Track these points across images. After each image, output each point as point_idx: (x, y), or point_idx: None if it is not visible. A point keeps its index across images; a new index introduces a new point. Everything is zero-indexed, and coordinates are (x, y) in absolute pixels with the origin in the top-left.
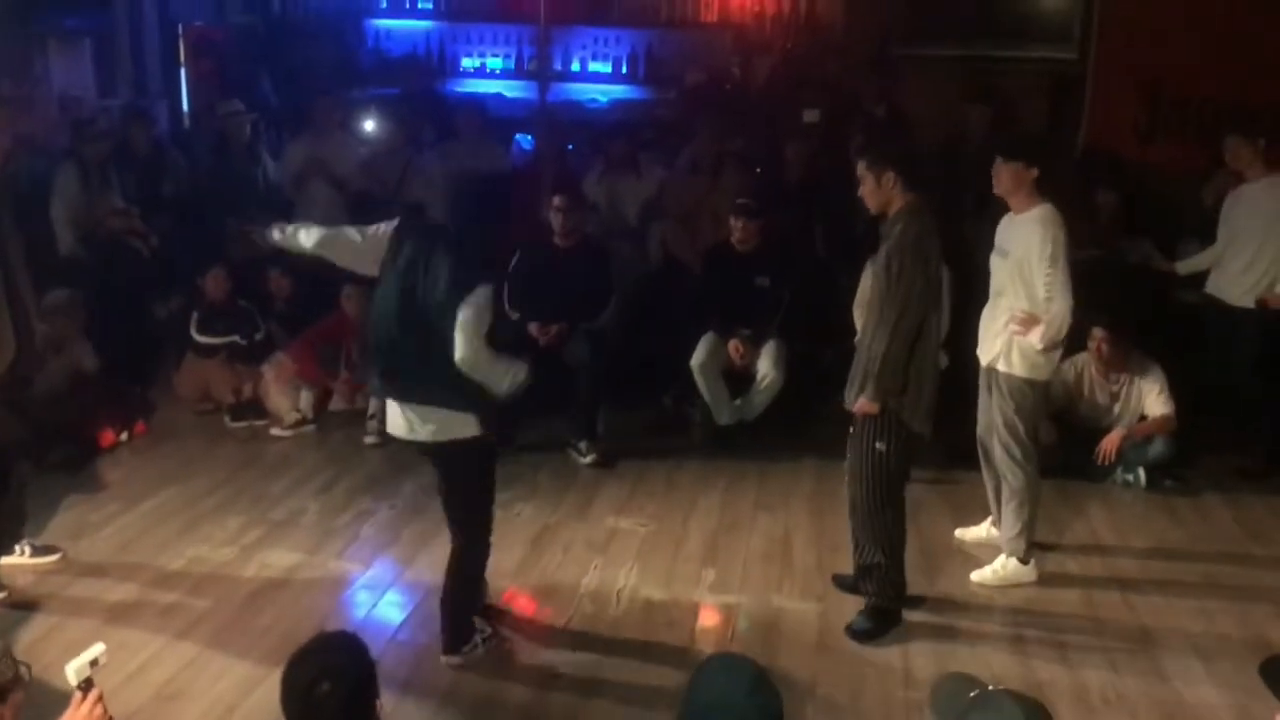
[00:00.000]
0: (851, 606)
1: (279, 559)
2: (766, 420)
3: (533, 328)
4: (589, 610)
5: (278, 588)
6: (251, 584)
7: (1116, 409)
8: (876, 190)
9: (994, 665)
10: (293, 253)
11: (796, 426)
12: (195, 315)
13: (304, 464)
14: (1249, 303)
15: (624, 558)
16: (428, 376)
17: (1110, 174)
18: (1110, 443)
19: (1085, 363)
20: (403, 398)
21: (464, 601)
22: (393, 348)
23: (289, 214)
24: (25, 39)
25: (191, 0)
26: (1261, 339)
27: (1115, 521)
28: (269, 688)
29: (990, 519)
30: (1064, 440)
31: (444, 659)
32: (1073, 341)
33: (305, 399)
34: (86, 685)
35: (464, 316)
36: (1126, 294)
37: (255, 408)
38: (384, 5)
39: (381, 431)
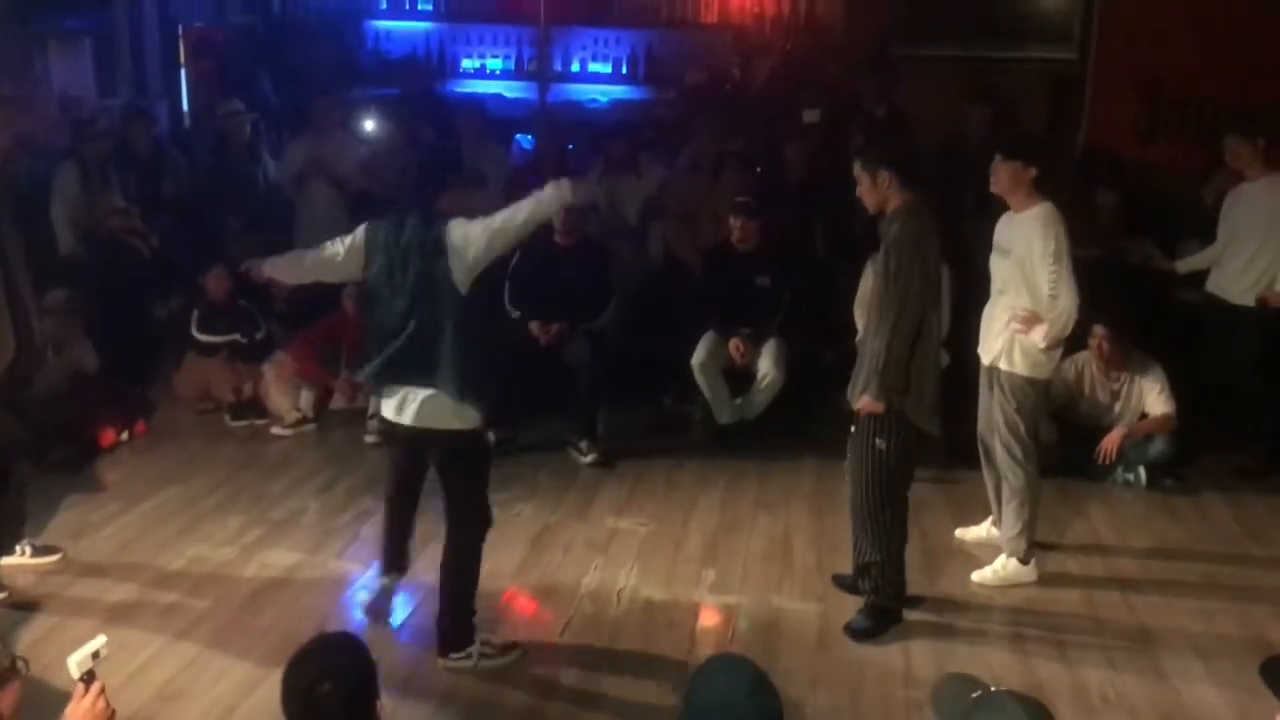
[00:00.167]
0: (852, 606)
1: (279, 559)
2: (767, 420)
3: (533, 327)
4: (589, 610)
5: (278, 588)
6: (252, 584)
7: (1117, 408)
8: (873, 189)
9: (994, 665)
10: (291, 283)
11: (797, 426)
12: (196, 314)
13: (304, 463)
14: (1249, 301)
15: (624, 558)
16: (432, 361)
17: (1110, 174)
18: (1111, 442)
19: (1086, 361)
20: (404, 381)
21: (466, 599)
22: (395, 339)
23: (289, 214)
24: (25, 39)
25: (191, 0)
26: (1262, 338)
27: (1115, 521)
28: (269, 688)
29: (990, 519)
30: (1064, 439)
31: (442, 663)
32: (1073, 340)
33: (306, 398)
34: (88, 678)
35: (451, 233)
36: (1127, 293)
37: (256, 407)
38: (384, 6)
39: (382, 430)
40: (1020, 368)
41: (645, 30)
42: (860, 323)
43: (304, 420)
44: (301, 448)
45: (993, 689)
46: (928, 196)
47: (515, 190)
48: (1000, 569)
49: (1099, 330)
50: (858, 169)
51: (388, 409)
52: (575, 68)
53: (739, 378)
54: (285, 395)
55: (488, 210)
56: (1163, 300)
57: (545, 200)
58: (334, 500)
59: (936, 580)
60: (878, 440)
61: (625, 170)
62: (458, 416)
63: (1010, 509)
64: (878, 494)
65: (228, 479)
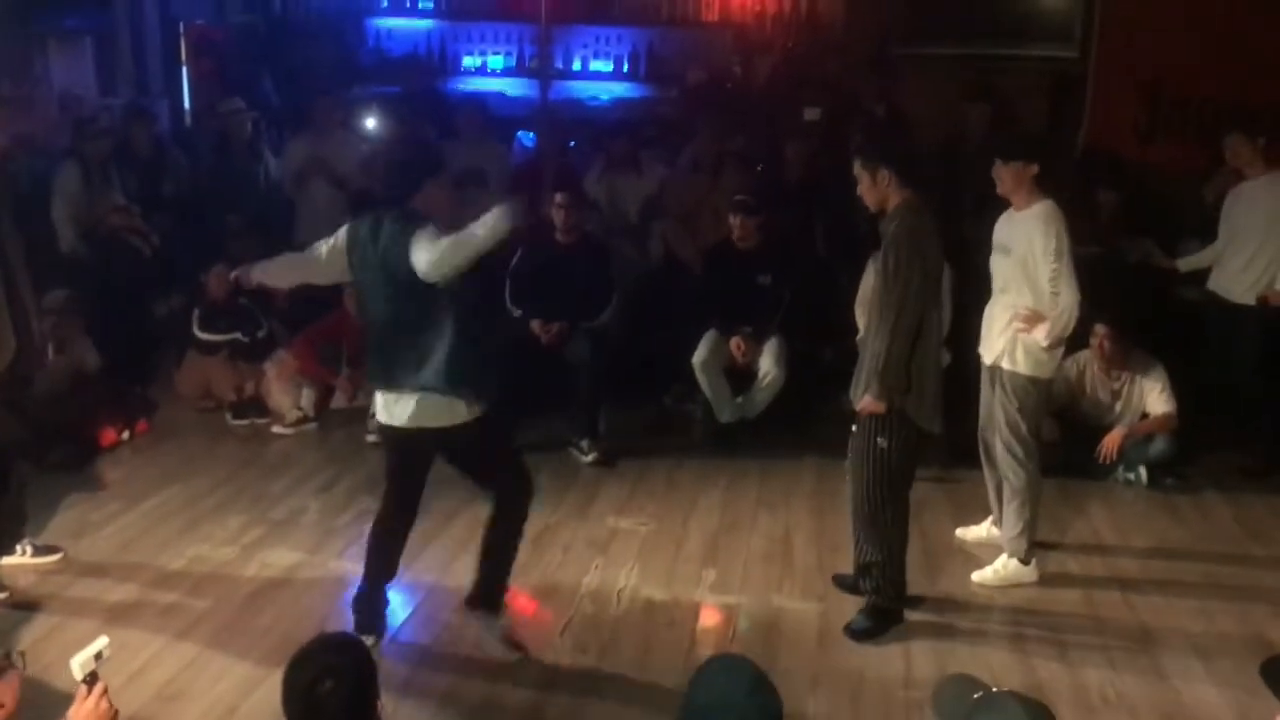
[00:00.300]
0: (852, 606)
1: (280, 558)
2: (768, 419)
3: (534, 326)
4: (589, 610)
5: (278, 587)
6: (252, 583)
7: (1118, 407)
8: (872, 188)
9: (994, 664)
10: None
11: (798, 425)
12: (197, 313)
13: (305, 462)
14: (1250, 300)
15: (625, 557)
16: (418, 360)
17: (1111, 172)
18: (1112, 441)
19: (1087, 360)
20: (397, 382)
21: (509, 559)
22: (384, 337)
23: (290, 213)
24: (26, 39)
25: None
26: (1262, 336)
27: (1116, 520)
28: (270, 688)
29: (991, 518)
30: (1065, 438)
31: (471, 612)
32: (1074, 339)
33: (307, 397)
34: (91, 679)
35: (416, 239)
36: (1128, 292)
37: (257, 406)
38: (385, 4)
39: (378, 426)
40: (1023, 367)
41: (646, 28)
42: (861, 322)
43: (305, 419)
44: (302, 447)
45: (994, 690)
46: (928, 196)
47: (517, 188)
48: (1001, 569)
49: (1100, 329)
50: (857, 167)
51: (382, 412)
52: (577, 66)
53: (740, 377)
54: (286, 394)
55: (475, 209)
56: (1163, 299)
57: (490, 225)
58: (335, 500)
59: (937, 580)
60: (879, 440)
61: (626, 168)
62: (451, 411)
63: (1011, 509)
64: (879, 494)
65: (228, 478)
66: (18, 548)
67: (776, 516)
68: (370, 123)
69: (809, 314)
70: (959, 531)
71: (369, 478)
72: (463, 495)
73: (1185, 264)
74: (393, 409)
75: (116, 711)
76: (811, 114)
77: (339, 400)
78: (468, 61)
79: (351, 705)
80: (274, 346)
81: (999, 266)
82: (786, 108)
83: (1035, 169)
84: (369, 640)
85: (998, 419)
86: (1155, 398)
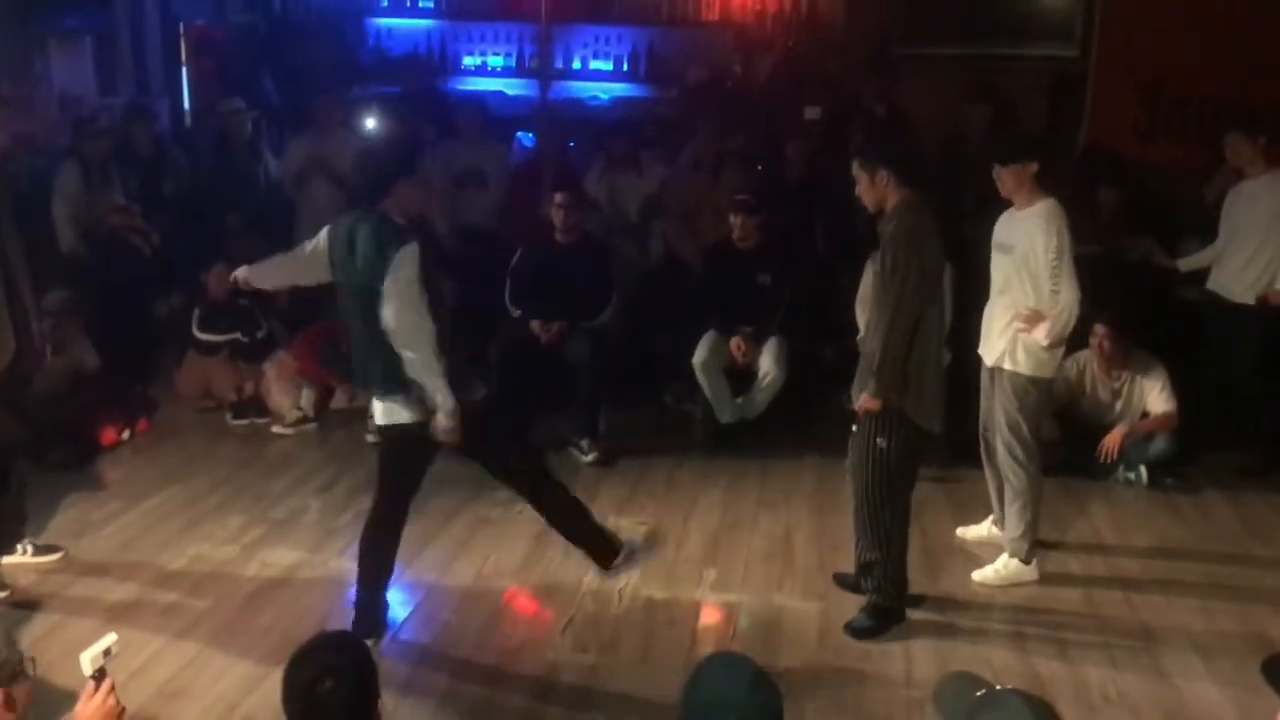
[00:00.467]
0: (853, 605)
1: (280, 558)
2: (768, 418)
3: (534, 325)
4: (590, 609)
5: (279, 586)
6: (252, 583)
7: (1118, 406)
8: (871, 188)
9: (995, 663)
10: (269, 289)
11: (798, 424)
12: (197, 312)
13: (305, 462)
14: (1250, 299)
15: None
16: (379, 363)
17: (1111, 171)
18: (1112, 440)
19: (1087, 360)
20: (364, 383)
21: (584, 518)
22: (357, 337)
23: (290, 212)
24: (26, 38)
25: None
26: (1262, 336)
27: (1117, 519)
28: (270, 686)
29: (991, 517)
30: (1066, 437)
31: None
32: (1075, 338)
33: (306, 397)
34: (100, 675)
35: (389, 282)
36: (1128, 291)
37: (257, 406)
38: (385, 4)
39: (374, 427)
40: (1024, 367)
41: (647, 28)
42: (861, 321)
43: (305, 419)
44: (302, 447)
45: (997, 687)
46: (928, 196)
47: (517, 188)
48: (1001, 568)
49: (1099, 329)
50: (856, 168)
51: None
52: (577, 65)
53: (740, 376)
54: (286, 394)
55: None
56: (1163, 298)
57: (436, 397)
58: (335, 499)
59: (937, 579)
60: (878, 439)
61: (626, 168)
62: (408, 412)
63: (1013, 511)
64: (878, 493)
65: (229, 478)
66: (18, 547)
67: (777, 516)
68: (370, 122)
69: (809, 313)
70: (959, 531)
71: (369, 477)
72: (463, 495)
73: (1185, 263)
74: (376, 407)
75: (124, 709)
76: (812, 113)
77: (339, 400)
78: (468, 61)
79: (352, 704)
80: (274, 347)
81: (999, 266)
82: (787, 107)
83: (1035, 167)
84: (370, 641)
85: (998, 420)
86: (1155, 397)
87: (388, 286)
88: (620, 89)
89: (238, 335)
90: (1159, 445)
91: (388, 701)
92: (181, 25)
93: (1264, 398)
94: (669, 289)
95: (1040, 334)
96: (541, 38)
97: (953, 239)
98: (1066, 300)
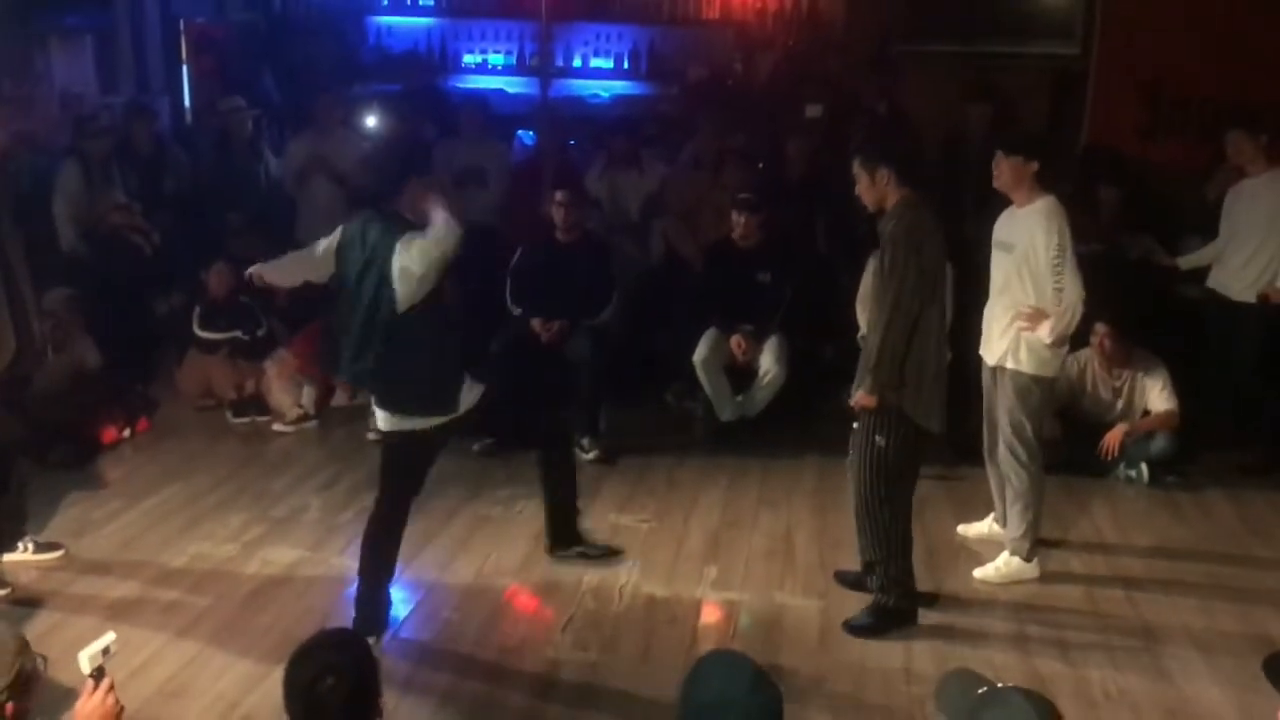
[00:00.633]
0: (854, 603)
1: (281, 556)
2: (769, 416)
3: (534, 324)
4: (591, 607)
5: (279, 585)
6: (253, 581)
7: (1119, 405)
8: (871, 187)
9: (996, 661)
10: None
11: (799, 423)
12: (198, 311)
13: (306, 460)
14: (1250, 298)
15: (626, 554)
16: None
17: (1112, 170)
18: (1113, 438)
19: (1088, 358)
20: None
21: (572, 496)
22: (348, 338)
23: (291, 211)
24: (26, 37)
25: None
26: (1263, 334)
27: (1118, 517)
28: (271, 685)
29: (993, 515)
30: (1068, 436)
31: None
32: (1076, 337)
33: (307, 395)
34: (98, 674)
35: (401, 249)
36: (1128, 289)
37: (257, 404)
38: (385, 2)
39: (375, 428)
40: (1027, 366)
41: (647, 26)
42: (862, 319)
43: (305, 417)
44: (303, 445)
45: (999, 685)
46: (928, 195)
47: (518, 186)
48: (1003, 566)
49: (1100, 328)
50: (856, 167)
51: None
52: (577, 63)
53: (741, 374)
54: (287, 392)
55: (476, 207)
56: (1164, 297)
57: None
58: (335, 497)
59: (938, 576)
60: (877, 438)
61: (627, 166)
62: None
63: (1014, 511)
64: (878, 491)
65: (229, 476)
66: (19, 545)
67: (778, 514)
68: (371, 120)
69: (810, 312)
70: (960, 528)
71: (370, 475)
72: (463, 494)
73: (1186, 261)
74: (378, 414)
75: (123, 708)
76: (813, 111)
77: (340, 398)
78: (468, 59)
79: (353, 702)
80: (274, 345)
81: (999, 264)
82: (787, 105)
83: (1035, 167)
84: (370, 639)
85: (1001, 421)
86: (1156, 395)
87: (400, 251)
88: (621, 87)
89: (238, 333)
90: (1160, 443)
91: (388, 699)
92: (182, 23)
93: (1264, 396)
94: (670, 287)
95: (1043, 332)
96: (542, 35)
97: (953, 238)
98: (1070, 298)
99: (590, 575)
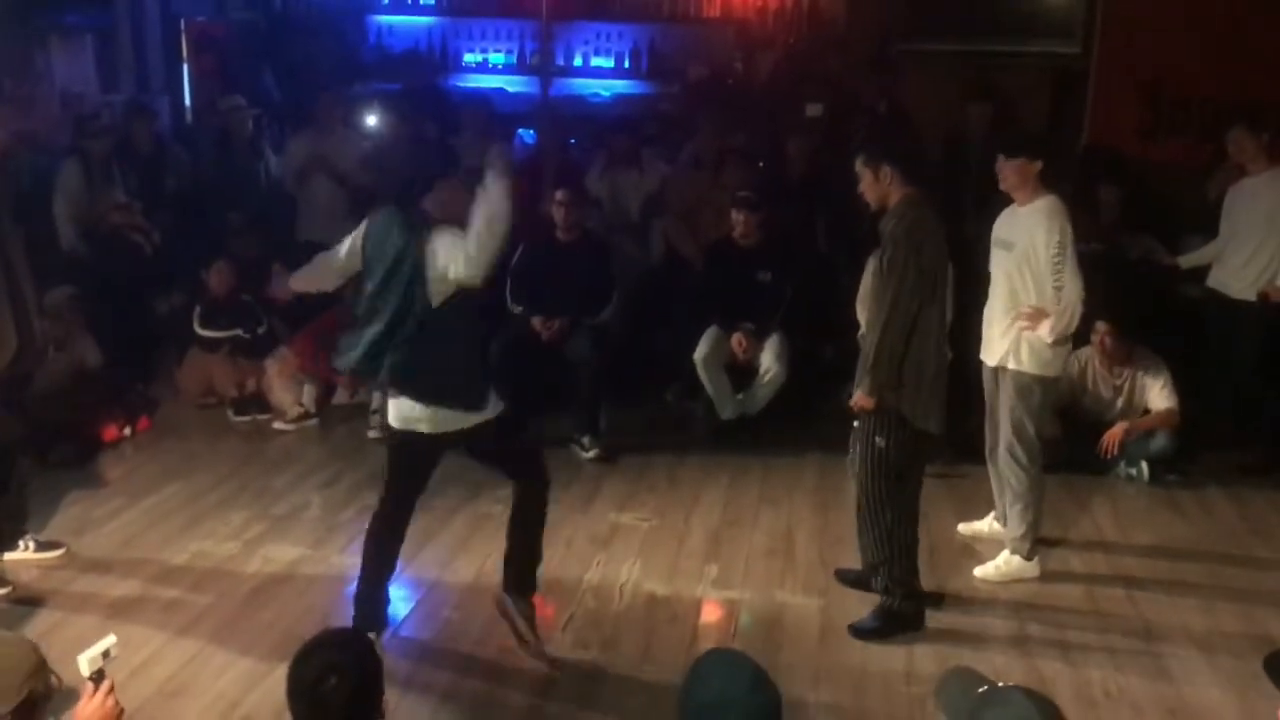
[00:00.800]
0: (855, 601)
1: (282, 554)
2: (769, 415)
3: (535, 322)
4: (591, 605)
5: (280, 583)
6: (254, 579)
7: (1120, 403)
8: (874, 185)
9: (996, 661)
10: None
11: (799, 421)
12: (198, 309)
13: (307, 458)
14: (1250, 296)
15: (626, 553)
16: (401, 365)
17: (1112, 169)
18: (1113, 436)
19: (1089, 357)
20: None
21: (536, 545)
22: (365, 333)
23: (291, 209)
24: (27, 36)
25: None
26: (1263, 333)
27: (1119, 516)
28: (272, 683)
29: (994, 513)
30: (1068, 435)
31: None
32: (1077, 336)
33: (308, 393)
34: (98, 676)
35: (435, 246)
36: (1129, 288)
37: (258, 402)
38: (386, 1)
39: (384, 425)
40: (1028, 365)
41: (648, 25)
42: (862, 318)
43: (306, 415)
44: (304, 443)
45: (1000, 684)
46: (929, 195)
47: (518, 186)
48: (1003, 564)
49: (1101, 326)
50: (859, 165)
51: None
52: (578, 62)
53: (741, 373)
54: (288, 390)
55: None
56: (1164, 296)
57: (490, 191)
58: (337, 495)
59: (939, 575)
60: (877, 439)
61: (627, 165)
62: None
63: (1014, 512)
64: (879, 492)
65: (230, 474)
66: (20, 543)
67: (778, 512)
68: (372, 120)
69: (810, 310)
70: (961, 527)
71: (371, 473)
72: (464, 493)
73: (1186, 260)
74: (390, 407)
75: (122, 710)
76: (813, 110)
77: (340, 396)
78: (469, 58)
79: (356, 701)
80: (275, 343)
81: (999, 263)
82: (788, 104)
83: (1039, 165)
84: (370, 636)
85: (1002, 421)
86: (1157, 394)
87: (432, 246)
88: (621, 86)
89: (239, 332)
90: (1160, 442)
91: (390, 698)
92: (182, 22)
93: (1264, 396)
94: (670, 286)
95: (1044, 330)
96: (542, 34)
97: (953, 238)
98: (1070, 297)
99: (591, 574)
